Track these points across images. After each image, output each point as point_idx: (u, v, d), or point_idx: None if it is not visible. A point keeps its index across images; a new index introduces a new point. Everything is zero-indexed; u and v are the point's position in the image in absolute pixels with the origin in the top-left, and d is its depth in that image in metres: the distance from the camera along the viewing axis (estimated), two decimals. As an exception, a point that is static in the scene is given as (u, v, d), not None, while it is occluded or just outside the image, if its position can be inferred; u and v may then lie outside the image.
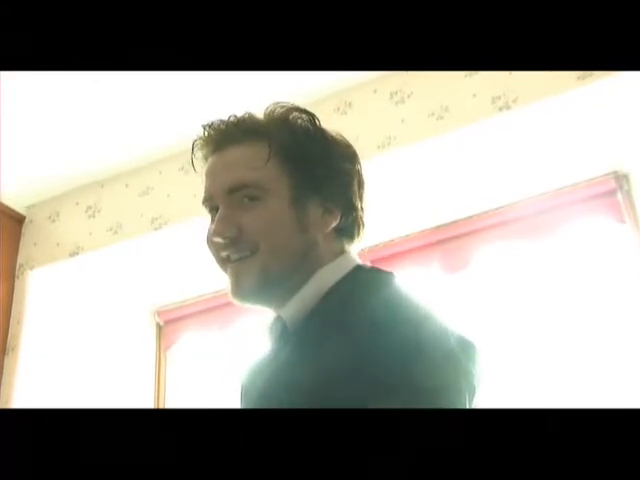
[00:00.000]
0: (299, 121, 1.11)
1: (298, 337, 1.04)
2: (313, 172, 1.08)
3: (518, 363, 2.40)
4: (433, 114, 2.56)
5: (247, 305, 1.10)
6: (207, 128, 1.11)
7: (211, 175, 1.11)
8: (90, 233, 3.03)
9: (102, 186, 3.09)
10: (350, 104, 2.71)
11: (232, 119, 1.11)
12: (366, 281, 1.07)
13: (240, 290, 1.08)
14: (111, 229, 3.00)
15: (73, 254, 3.02)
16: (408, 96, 2.63)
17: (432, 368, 0.91)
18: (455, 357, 0.94)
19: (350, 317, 0.98)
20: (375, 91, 2.69)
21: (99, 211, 3.06)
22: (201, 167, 1.13)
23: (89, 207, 3.08)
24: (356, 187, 1.13)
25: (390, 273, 1.08)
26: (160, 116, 2.77)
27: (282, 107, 1.11)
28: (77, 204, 3.11)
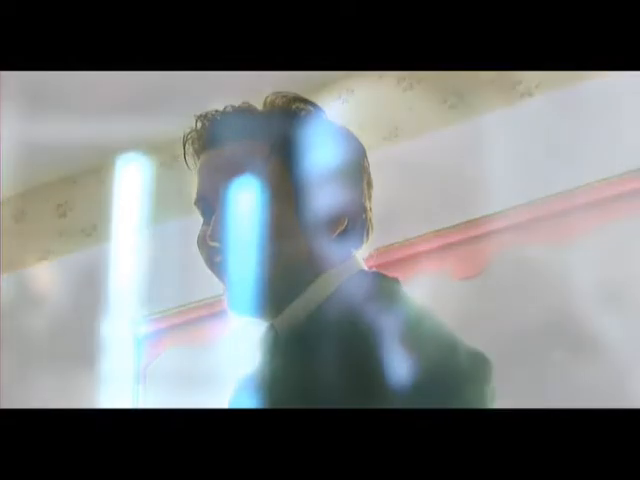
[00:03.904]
0: (303, 113, 1.10)
1: (290, 345, 1.05)
2: (318, 170, 1.08)
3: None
4: (445, 102, 2.59)
5: (245, 316, 1.09)
6: (201, 119, 1.09)
7: (206, 173, 1.09)
8: (60, 235, 3.04)
9: (74, 182, 3.08)
10: (352, 91, 2.74)
11: (229, 110, 1.10)
12: (367, 287, 1.07)
13: (238, 300, 1.06)
14: (84, 230, 2.97)
15: (41, 259, 3.03)
16: (417, 82, 2.67)
17: (431, 370, 0.93)
18: (458, 361, 0.97)
19: (348, 322, 0.99)
20: (380, 76, 2.70)
21: (71, 210, 3.06)
22: (193, 163, 1.11)
23: (59, 205, 3.09)
24: (365, 186, 1.12)
25: (394, 279, 1.08)
26: (141, 106, 2.80)
27: (283, 97, 1.11)
28: (46, 202, 3.09)
